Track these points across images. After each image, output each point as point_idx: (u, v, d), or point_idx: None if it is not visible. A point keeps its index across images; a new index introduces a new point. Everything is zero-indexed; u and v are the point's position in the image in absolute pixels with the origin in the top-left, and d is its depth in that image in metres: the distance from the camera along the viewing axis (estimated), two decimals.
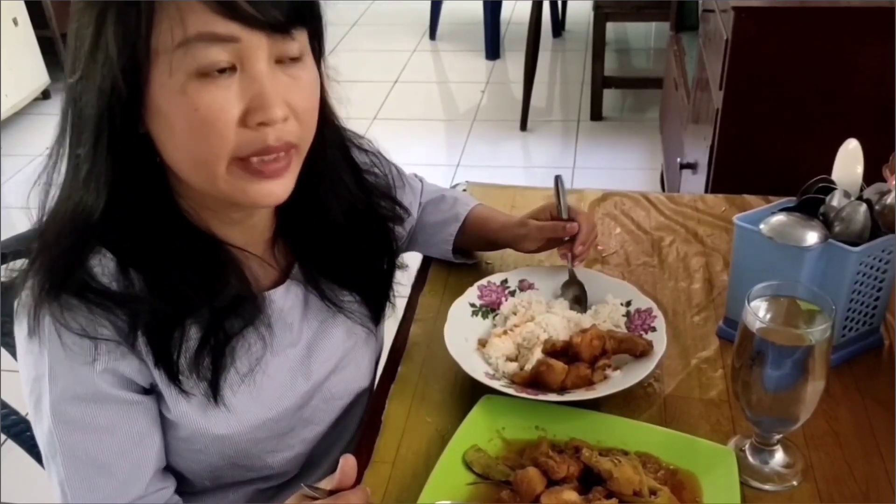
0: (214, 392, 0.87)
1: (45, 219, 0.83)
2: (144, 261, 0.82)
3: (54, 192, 0.83)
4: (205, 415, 0.88)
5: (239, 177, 0.79)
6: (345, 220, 0.96)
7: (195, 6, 0.72)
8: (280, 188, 0.82)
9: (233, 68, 0.75)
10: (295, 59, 0.79)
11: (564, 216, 1.14)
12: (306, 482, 0.78)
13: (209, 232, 0.87)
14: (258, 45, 0.75)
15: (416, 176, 1.27)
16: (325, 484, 0.76)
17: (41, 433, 0.86)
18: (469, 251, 1.26)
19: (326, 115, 0.89)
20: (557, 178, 1.16)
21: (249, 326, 0.88)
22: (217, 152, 0.77)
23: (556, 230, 1.14)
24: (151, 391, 0.87)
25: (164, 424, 0.90)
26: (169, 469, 0.93)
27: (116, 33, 0.74)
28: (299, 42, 0.79)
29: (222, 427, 0.89)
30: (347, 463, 0.76)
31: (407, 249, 1.28)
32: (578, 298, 1.14)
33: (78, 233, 0.80)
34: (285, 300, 0.94)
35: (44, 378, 0.82)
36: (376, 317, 1.04)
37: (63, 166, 0.82)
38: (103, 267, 0.81)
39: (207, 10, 0.72)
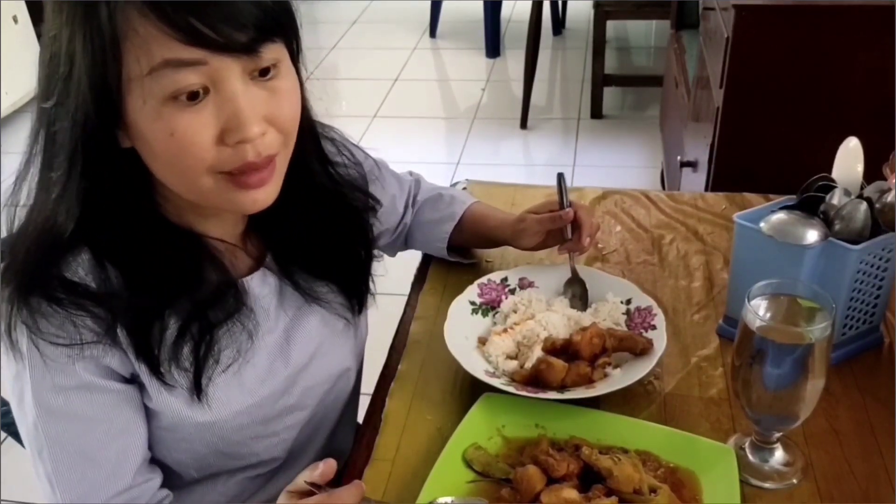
0: (198, 384, 0.87)
1: (13, 236, 0.84)
2: (121, 255, 0.83)
3: (20, 211, 0.83)
4: (188, 404, 0.88)
5: (224, 188, 0.80)
6: (315, 210, 0.96)
7: (157, 36, 0.72)
8: (264, 195, 0.82)
9: (206, 90, 0.75)
10: (271, 70, 0.78)
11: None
12: (295, 473, 0.79)
13: (186, 225, 0.88)
14: (228, 67, 0.75)
15: (411, 173, 1.27)
16: (305, 475, 0.77)
17: (26, 429, 0.86)
18: (467, 250, 1.26)
19: (302, 110, 0.88)
20: (560, 176, 1.16)
21: (233, 317, 0.88)
22: (197, 170, 0.78)
23: (555, 220, 1.14)
24: (133, 381, 0.87)
25: (147, 414, 0.90)
26: (156, 463, 0.93)
27: (86, 64, 0.73)
28: (272, 54, 0.78)
29: (205, 415, 0.89)
30: (328, 466, 0.77)
31: (405, 248, 1.28)
32: (580, 296, 1.14)
33: (46, 248, 0.81)
34: (262, 288, 0.94)
35: (24, 373, 0.83)
36: (354, 307, 1.03)
37: (31, 184, 0.83)
38: (79, 262, 0.82)
39: (170, 39, 0.72)
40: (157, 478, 0.92)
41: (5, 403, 1.12)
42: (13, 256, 0.83)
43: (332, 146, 1.01)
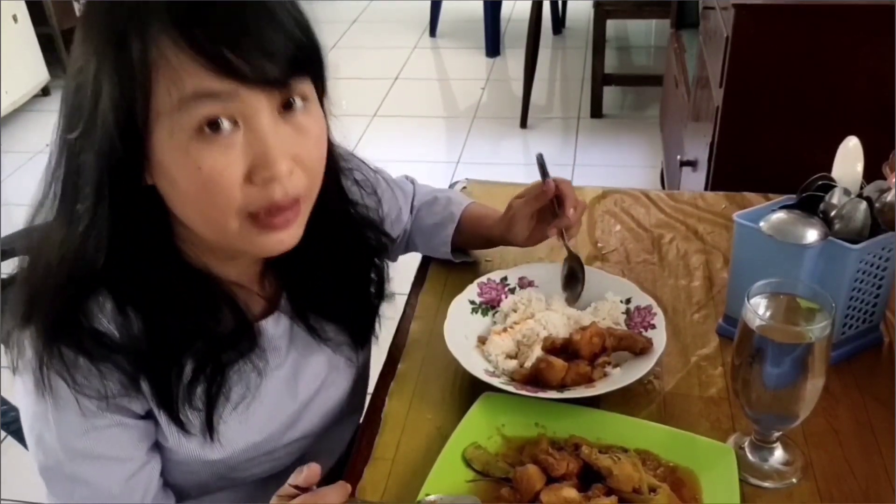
0: (210, 423, 0.87)
1: (32, 265, 0.82)
2: (142, 300, 0.82)
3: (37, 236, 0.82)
4: (201, 444, 0.89)
5: (249, 231, 0.79)
6: (333, 251, 0.95)
7: (189, 66, 0.71)
8: (289, 237, 0.81)
9: (235, 124, 0.74)
10: (299, 108, 0.77)
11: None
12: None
13: (205, 269, 0.87)
14: (258, 101, 0.74)
15: (406, 177, 1.27)
16: (291, 479, 0.77)
17: (44, 467, 0.86)
18: (468, 250, 1.26)
19: (328, 150, 0.88)
20: (539, 157, 1.16)
21: (245, 356, 0.88)
22: (224, 210, 0.76)
23: (539, 197, 1.12)
24: (150, 416, 0.87)
25: (160, 449, 0.91)
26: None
27: (114, 97, 0.72)
28: (301, 90, 0.77)
29: (216, 453, 0.90)
30: (312, 470, 0.76)
31: (406, 251, 1.28)
32: (579, 270, 1.13)
33: (76, 284, 0.80)
34: (276, 329, 0.94)
35: (46, 415, 0.82)
36: (357, 346, 1.03)
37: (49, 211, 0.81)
38: (101, 307, 0.81)
39: (202, 70, 0.71)
40: (172, 502, 0.93)
41: (5, 403, 1.12)
42: (39, 294, 0.81)
43: (355, 186, 1.00)
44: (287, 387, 0.96)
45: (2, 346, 1.09)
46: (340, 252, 0.96)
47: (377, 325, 1.04)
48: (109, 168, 0.75)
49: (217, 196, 0.75)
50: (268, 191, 0.76)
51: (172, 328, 0.83)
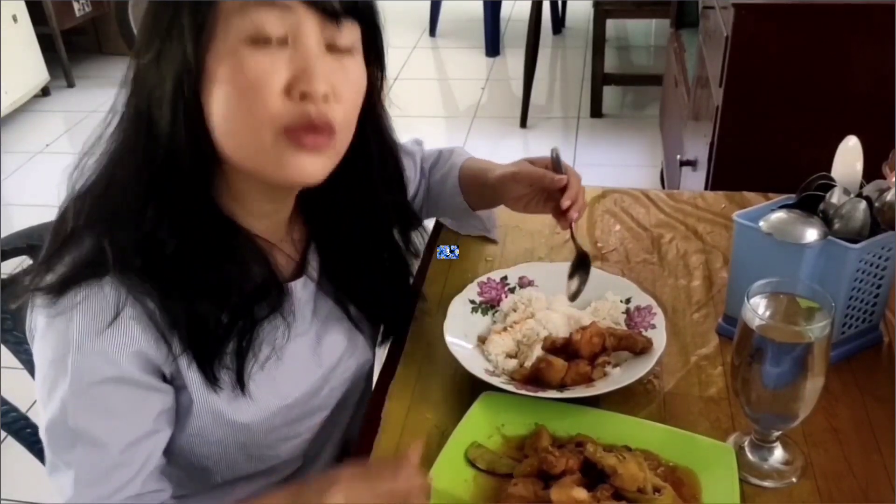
0: (240, 381, 0.88)
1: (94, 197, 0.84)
2: (176, 251, 0.83)
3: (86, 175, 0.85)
4: (229, 402, 0.89)
5: (283, 147, 0.81)
6: (364, 238, 0.99)
7: None
8: (317, 166, 0.83)
9: (285, 42, 0.79)
10: (345, 51, 0.82)
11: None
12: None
13: (236, 221, 0.89)
14: (310, 22, 0.79)
15: (416, 141, 1.28)
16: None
17: (50, 421, 0.84)
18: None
19: (380, 128, 0.95)
20: (554, 151, 1.16)
21: (275, 313, 0.90)
22: (261, 119, 0.79)
23: (545, 178, 1.12)
24: (171, 382, 0.87)
25: (184, 418, 0.89)
26: (183, 468, 0.93)
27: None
28: (350, 35, 0.82)
29: (242, 414, 0.90)
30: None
31: (426, 217, 1.27)
32: (582, 262, 1.11)
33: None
34: (303, 293, 0.97)
35: (66, 360, 0.81)
36: (378, 338, 1.08)
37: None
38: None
39: None
40: (168, 490, 0.91)
41: (5, 403, 1.12)
42: (109, 214, 0.83)
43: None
44: (312, 353, 0.98)
45: (1, 347, 1.10)
46: (372, 240, 1.00)
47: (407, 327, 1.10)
48: (183, 83, 0.79)
49: (255, 102, 0.79)
50: (303, 106, 0.80)
51: (206, 276, 0.84)
